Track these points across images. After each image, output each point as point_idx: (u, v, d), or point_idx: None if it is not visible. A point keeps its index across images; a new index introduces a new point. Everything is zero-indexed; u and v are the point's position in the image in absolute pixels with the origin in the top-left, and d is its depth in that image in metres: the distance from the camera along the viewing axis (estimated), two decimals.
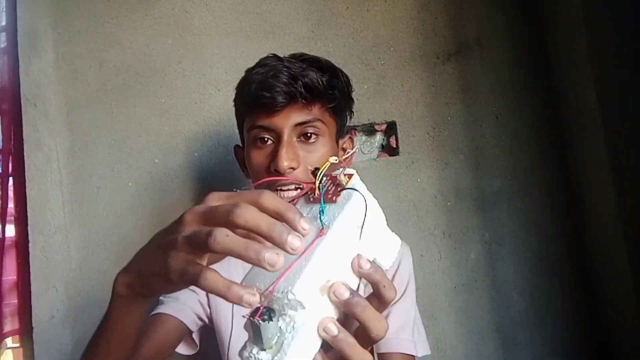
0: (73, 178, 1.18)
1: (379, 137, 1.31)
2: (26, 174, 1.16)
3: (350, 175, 0.51)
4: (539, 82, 1.28)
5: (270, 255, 0.37)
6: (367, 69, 1.25)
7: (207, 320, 0.89)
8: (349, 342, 0.45)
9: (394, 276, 0.89)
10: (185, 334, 0.86)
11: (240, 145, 0.91)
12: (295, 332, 0.43)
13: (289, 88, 0.76)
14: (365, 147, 1.29)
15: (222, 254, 0.39)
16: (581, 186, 1.22)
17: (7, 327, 1.17)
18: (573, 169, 1.24)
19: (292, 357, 0.43)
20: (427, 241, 1.22)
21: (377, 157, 1.28)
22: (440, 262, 1.22)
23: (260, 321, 0.42)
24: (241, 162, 0.91)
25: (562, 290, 1.23)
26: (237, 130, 1.24)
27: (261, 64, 0.81)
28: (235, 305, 0.79)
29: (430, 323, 1.18)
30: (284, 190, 0.77)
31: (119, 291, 0.52)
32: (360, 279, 0.49)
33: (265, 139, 0.80)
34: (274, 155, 0.77)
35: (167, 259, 0.42)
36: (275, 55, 0.83)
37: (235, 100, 0.89)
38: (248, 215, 0.38)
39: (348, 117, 0.89)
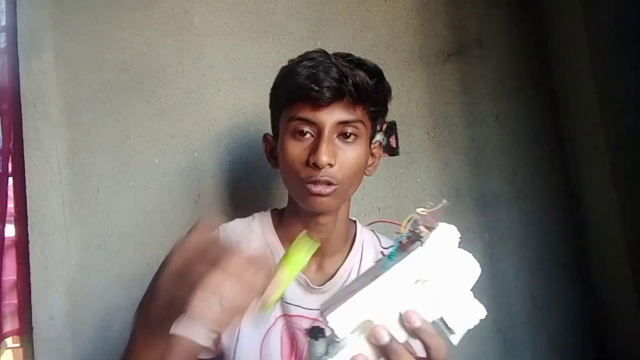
0: (73, 178, 1.18)
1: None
2: (26, 174, 1.16)
3: (430, 228, 0.52)
4: (539, 82, 1.28)
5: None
6: None
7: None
8: None
9: None
10: (200, 351, 0.84)
11: (271, 134, 0.89)
12: (333, 356, 0.46)
13: (339, 85, 0.75)
14: None
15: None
16: (581, 186, 1.22)
17: (7, 327, 1.17)
18: (573, 169, 1.24)
19: None
20: None
21: None
22: None
23: (309, 337, 0.48)
24: (268, 151, 0.89)
25: (562, 290, 1.23)
26: (237, 131, 1.24)
27: (308, 57, 0.80)
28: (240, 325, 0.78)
29: None
30: (317, 185, 0.77)
31: (139, 328, 0.53)
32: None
33: (305, 132, 0.78)
34: (313, 149, 0.76)
35: (193, 298, 0.45)
36: (322, 50, 0.82)
37: (274, 88, 0.87)
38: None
39: (382, 124, 0.89)
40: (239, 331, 0.86)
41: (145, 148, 1.20)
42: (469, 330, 0.51)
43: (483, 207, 1.25)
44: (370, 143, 0.86)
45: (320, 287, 0.86)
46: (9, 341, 1.19)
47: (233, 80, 1.24)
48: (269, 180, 1.21)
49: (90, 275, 1.15)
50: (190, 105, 1.22)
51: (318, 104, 0.76)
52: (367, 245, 0.92)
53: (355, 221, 0.95)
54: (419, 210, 0.52)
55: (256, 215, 0.93)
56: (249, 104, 1.23)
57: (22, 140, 1.17)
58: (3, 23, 1.23)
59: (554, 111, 1.27)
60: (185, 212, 1.19)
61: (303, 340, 0.85)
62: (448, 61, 1.28)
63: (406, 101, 1.26)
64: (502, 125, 1.27)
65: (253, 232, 0.90)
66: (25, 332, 1.15)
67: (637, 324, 1.04)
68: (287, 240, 0.89)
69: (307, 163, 0.77)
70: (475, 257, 0.53)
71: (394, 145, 1.27)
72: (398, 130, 1.25)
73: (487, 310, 0.52)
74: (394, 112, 1.26)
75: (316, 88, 0.74)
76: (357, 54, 1.28)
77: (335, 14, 1.27)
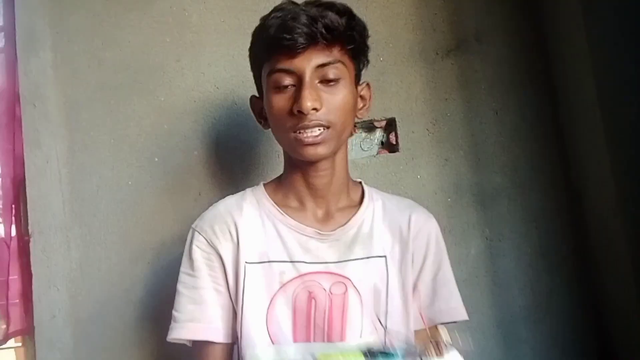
0: (73, 178, 1.18)
1: (378, 134, 1.30)
2: (26, 174, 1.16)
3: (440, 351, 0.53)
4: (539, 77, 1.28)
5: None
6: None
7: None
8: None
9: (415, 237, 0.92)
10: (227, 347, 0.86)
11: (257, 96, 0.91)
12: None
13: (309, 29, 0.76)
14: (365, 144, 1.29)
15: None
16: (581, 181, 1.22)
17: (9, 327, 1.17)
18: (573, 165, 1.24)
19: None
20: None
21: (377, 154, 1.28)
22: None
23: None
24: (257, 112, 0.91)
25: (562, 285, 1.23)
26: (236, 128, 1.24)
27: (277, 9, 0.80)
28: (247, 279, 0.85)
29: None
30: (307, 130, 0.78)
31: None
32: None
33: (286, 84, 0.79)
34: (297, 97, 0.78)
35: None
36: (290, 1, 0.82)
37: (251, 48, 0.88)
38: None
39: (364, 63, 0.89)
40: (243, 300, 0.83)
41: (145, 147, 1.20)
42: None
43: (483, 203, 1.25)
44: (357, 85, 0.86)
45: (332, 232, 0.86)
46: (10, 341, 1.20)
47: (232, 78, 1.24)
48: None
49: (91, 275, 1.15)
50: (189, 103, 1.22)
51: (293, 52, 0.77)
52: (376, 197, 0.94)
53: (361, 182, 0.96)
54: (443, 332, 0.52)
55: (248, 189, 0.94)
56: (248, 102, 1.22)
57: (22, 140, 1.17)
58: (1, 23, 1.23)
59: (553, 107, 1.27)
60: (185, 211, 1.19)
61: (323, 297, 0.83)
62: (447, 57, 1.28)
63: (405, 97, 1.26)
64: (501, 121, 1.27)
65: (245, 200, 0.91)
66: (27, 331, 1.16)
67: (637, 319, 1.04)
68: (284, 203, 0.89)
69: (291, 112, 0.78)
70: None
71: (394, 142, 1.27)
72: (397, 127, 1.25)
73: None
74: (393, 109, 1.26)
75: (288, 37, 0.75)
76: None
77: None
